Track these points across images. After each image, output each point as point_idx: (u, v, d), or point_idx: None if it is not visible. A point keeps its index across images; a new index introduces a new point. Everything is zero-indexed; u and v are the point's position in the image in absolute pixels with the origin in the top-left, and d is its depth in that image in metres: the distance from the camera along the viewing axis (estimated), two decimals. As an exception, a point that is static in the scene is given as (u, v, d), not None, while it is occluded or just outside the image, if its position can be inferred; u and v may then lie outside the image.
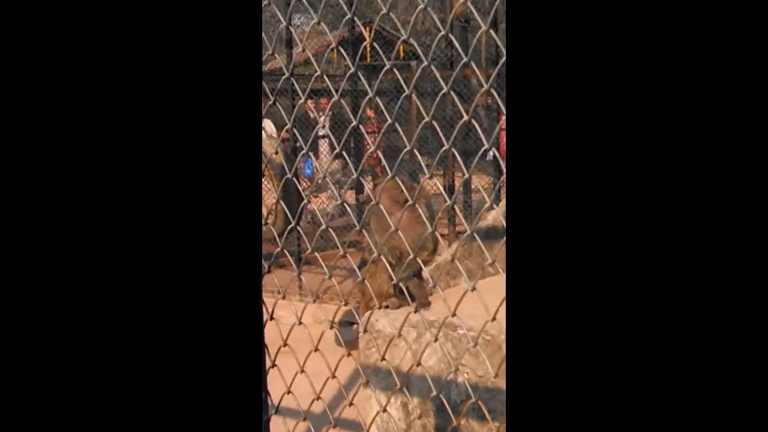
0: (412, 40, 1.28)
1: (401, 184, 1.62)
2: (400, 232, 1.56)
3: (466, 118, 1.20)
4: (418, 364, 1.54)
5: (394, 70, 1.33)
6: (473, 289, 1.30)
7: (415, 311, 1.57)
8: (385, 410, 1.61)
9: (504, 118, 1.24)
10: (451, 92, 1.36)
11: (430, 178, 1.31)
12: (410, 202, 1.51)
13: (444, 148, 1.28)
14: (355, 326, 5.25)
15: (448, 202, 1.39)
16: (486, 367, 3.15)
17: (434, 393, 1.58)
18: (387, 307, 3.88)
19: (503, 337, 3.02)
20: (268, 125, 8.80)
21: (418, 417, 1.96)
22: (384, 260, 1.71)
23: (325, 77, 1.53)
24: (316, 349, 1.67)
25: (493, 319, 1.27)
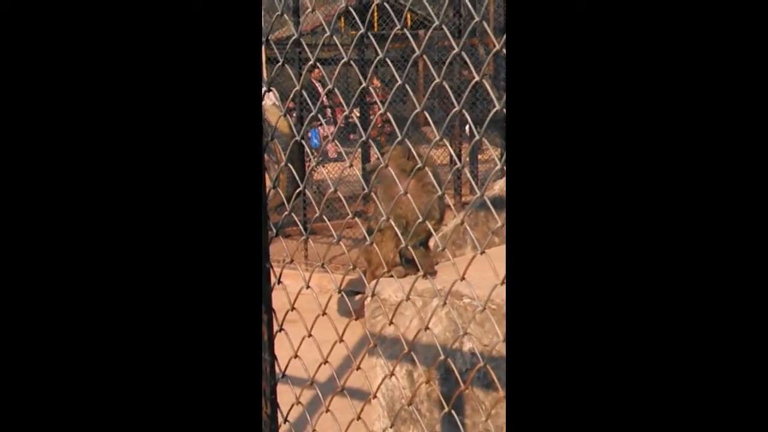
0: (425, 2, 1.26)
1: (412, 149, 1.60)
2: (409, 197, 1.55)
3: (477, 78, 1.19)
4: (427, 328, 1.54)
5: (406, 31, 1.32)
6: (482, 252, 1.30)
7: (424, 277, 1.56)
8: (392, 375, 1.61)
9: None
10: (461, 56, 1.34)
11: (441, 139, 1.30)
12: (419, 165, 1.51)
13: (454, 110, 1.27)
14: (359, 296, 5.26)
15: (458, 164, 1.37)
16: (491, 336, 3.15)
17: (442, 357, 1.58)
18: (391, 275, 3.88)
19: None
20: (272, 94, 8.76)
21: (425, 382, 1.96)
22: (393, 226, 1.70)
23: (336, 41, 1.51)
24: (324, 313, 1.66)
25: (503, 282, 1.27)
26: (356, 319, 1.74)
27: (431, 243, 4.26)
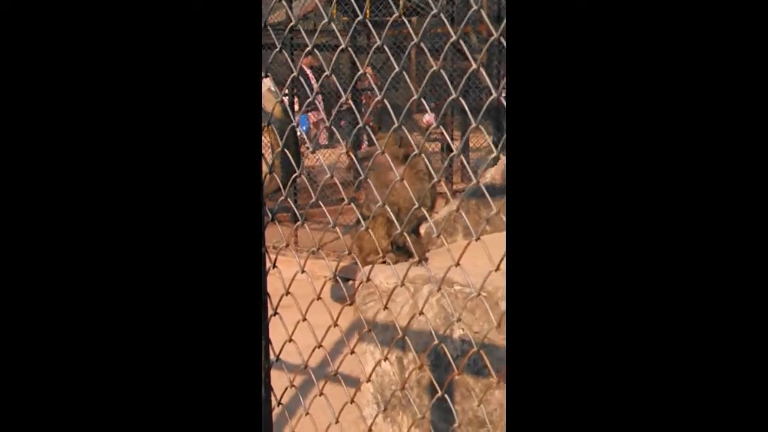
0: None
1: (408, 135, 1.61)
2: (405, 183, 1.56)
3: (474, 66, 1.20)
4: (421, 313, 1.55)
5: (404, 19, 1.32)
6: (477, 239, 1.31)
7: (418, 263, 1.58)
8: (386, 359, 1.62)
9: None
10: (455, 44, 1.35)
11: (437, 127, 1.30)
12: (412, 152, 1.52)
13: (451, 98, 1.28)
14: (350, 282, 5.28)
15: (454, 151, 1.38)
16: (482, 323, 3.17)
17: (435, 342, 1.60)
18: (384, 262, 3.90)
19: (501, 293, 3.03)
20: (268, 80, 8.72)
21: (418, 368, 1.98)
22: (388, 211, 1.70)
23: (334, 27, 1.52)
24: (318, 298, 1.67)
25: (497, 269, 1.28)
26: (350, 305, 1.75)
27: (422, 230, 4.28)
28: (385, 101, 1.35)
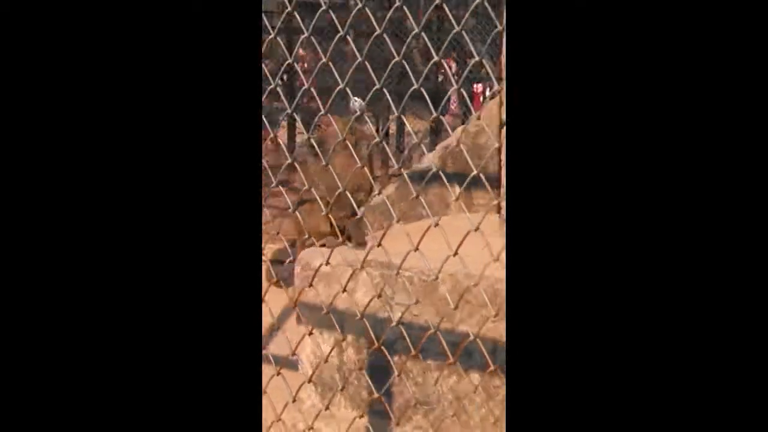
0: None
1: (369, 122, 1.62)
2: (365, 170, 1.58)
3: (436, 58, 1.23)
4: (379, 296, 1.58)
5: (366, 6, 1.34)
6: (436, 225, 1.34)
7: (379, 245, 1.60)
8: (344, 339, 1.64)
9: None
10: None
11: (399, 115, 1.33)
12: (377, 139, 1.54)
13: (413, 88, 1.30)
14: (287, 263, 5.28)
15: (415, 139, 1.40)
16: (420, 307, 3.21)
17: (393, 324, 1.63)
18: (323, 245, 3.91)
19: (442, 276, 3.07)
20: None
21: (375, 348, 2.00)
22: (348, 196, 1.73)
23: (296, 13, 1.53)
24: (277, 282, 1.69)
25: (455, 254, 1.32)
26: (310, 286, 1.78)
27: (360, 213, 4.30)
28: (349, 88, 1.37)
